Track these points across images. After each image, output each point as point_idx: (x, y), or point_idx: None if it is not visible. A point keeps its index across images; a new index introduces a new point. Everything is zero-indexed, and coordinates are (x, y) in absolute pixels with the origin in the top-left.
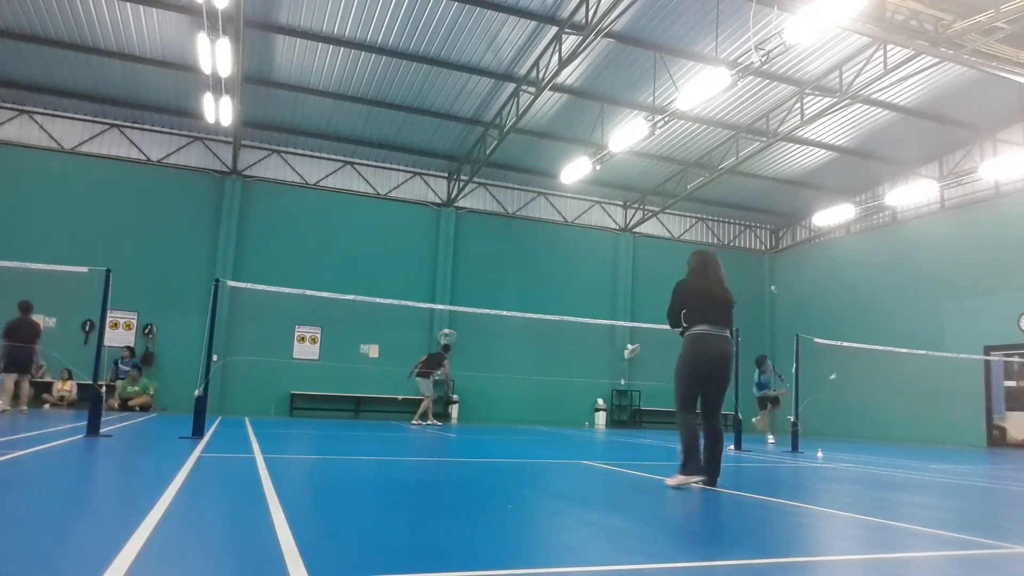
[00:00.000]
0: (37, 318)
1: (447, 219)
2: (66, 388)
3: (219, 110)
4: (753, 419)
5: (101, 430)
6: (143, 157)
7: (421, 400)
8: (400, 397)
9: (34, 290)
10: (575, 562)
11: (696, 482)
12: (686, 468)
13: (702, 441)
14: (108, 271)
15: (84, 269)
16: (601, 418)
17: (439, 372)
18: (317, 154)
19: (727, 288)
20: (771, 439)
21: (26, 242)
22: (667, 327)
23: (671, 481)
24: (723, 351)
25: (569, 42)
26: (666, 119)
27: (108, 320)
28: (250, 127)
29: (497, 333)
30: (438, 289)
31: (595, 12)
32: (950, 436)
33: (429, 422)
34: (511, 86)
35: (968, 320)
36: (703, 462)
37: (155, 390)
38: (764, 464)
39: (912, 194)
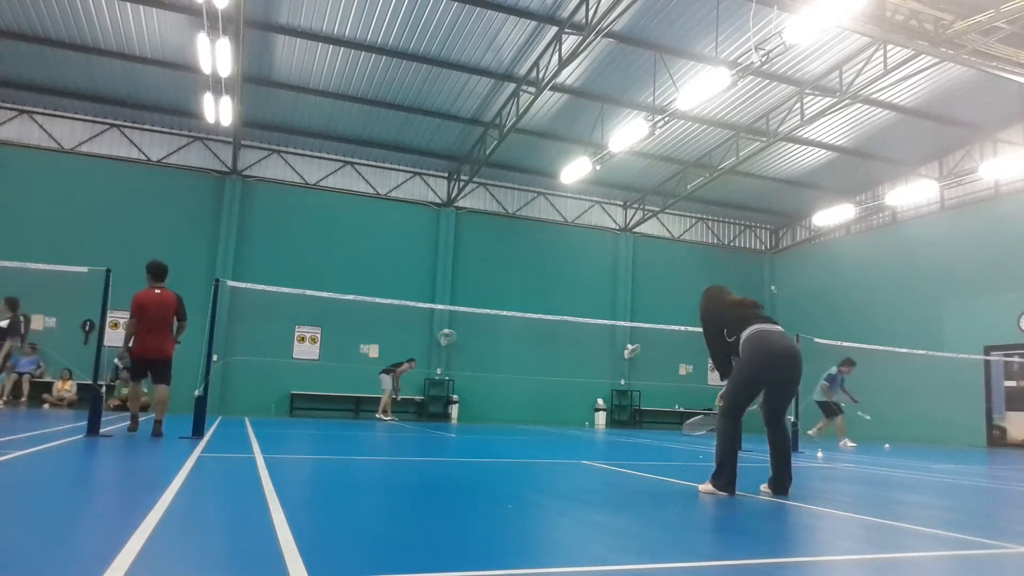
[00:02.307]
0: (36, 318)
1: (447, 219)
2: (66, 388)
3: (219, 110)
4: (810, 430)
5: (101, 430)
6: (143, 157)
7: (384, 398)
8: (400, 397)
9: (34, 290)
10: (575, 562)
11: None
12: (718, 479)
13: (769, 452)
14: (108, 271)
15: (84, 269)
16: (601, 418)
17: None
18: (317, 154)
19: None
20: (849, 442)
21: (26, 242)
22: (667, 327)
23: (702, 488)
24: (789, 346)
25: (569, 42)
26: (666, 119)
27: (108, 320)
28: (250, 127)
29: (497, 333)
30: (438, 289)
31: (595, 12)
32: (950, 436)
33: (388, 417)
34: (511, 86)
35: (968, 320)
36: (771, 472)
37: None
38: (765, 464)
39: (912, 194)
